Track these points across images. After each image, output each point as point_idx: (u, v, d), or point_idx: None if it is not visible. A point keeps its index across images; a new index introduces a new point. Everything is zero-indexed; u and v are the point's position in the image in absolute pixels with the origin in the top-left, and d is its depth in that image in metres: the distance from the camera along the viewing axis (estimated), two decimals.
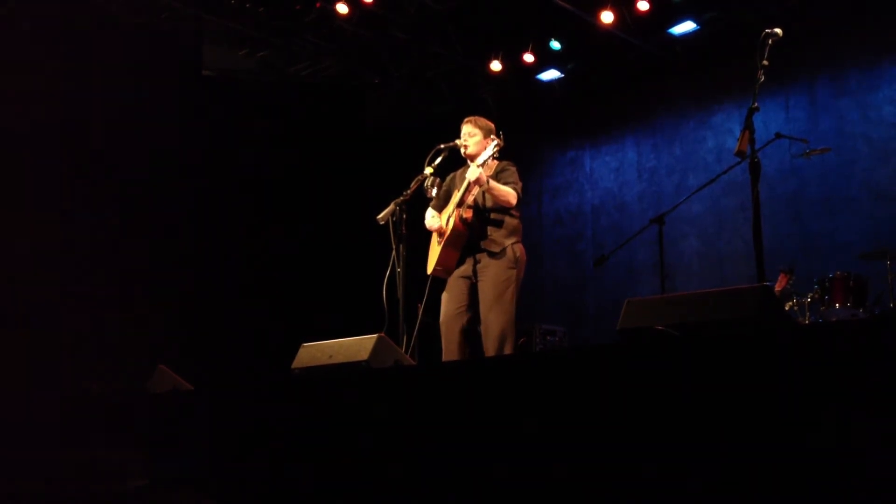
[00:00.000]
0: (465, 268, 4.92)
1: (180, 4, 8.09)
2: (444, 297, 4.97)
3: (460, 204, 4.86)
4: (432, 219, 5.08)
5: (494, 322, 4.75)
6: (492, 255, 4.85)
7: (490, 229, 4.88)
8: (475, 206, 4.89)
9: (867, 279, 6.30)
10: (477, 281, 4.86)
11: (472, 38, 9.07)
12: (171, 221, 7.70)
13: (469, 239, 4.90)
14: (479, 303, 4.82)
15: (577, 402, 2.64)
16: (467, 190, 4.83)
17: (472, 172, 4.72)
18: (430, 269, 5.02)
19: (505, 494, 2.75)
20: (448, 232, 4.87)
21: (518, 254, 4.89)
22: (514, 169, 4.97)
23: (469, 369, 3.52)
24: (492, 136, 4.93)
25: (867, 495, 2.06)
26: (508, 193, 4.81)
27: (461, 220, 4.82)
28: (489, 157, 4.79)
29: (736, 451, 2.27)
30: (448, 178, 5.17)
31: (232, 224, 8.28)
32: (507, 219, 4.91)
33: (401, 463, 3.09)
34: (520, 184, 4.94)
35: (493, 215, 4.89)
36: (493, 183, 4.77)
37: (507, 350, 4.78)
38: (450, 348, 4.85)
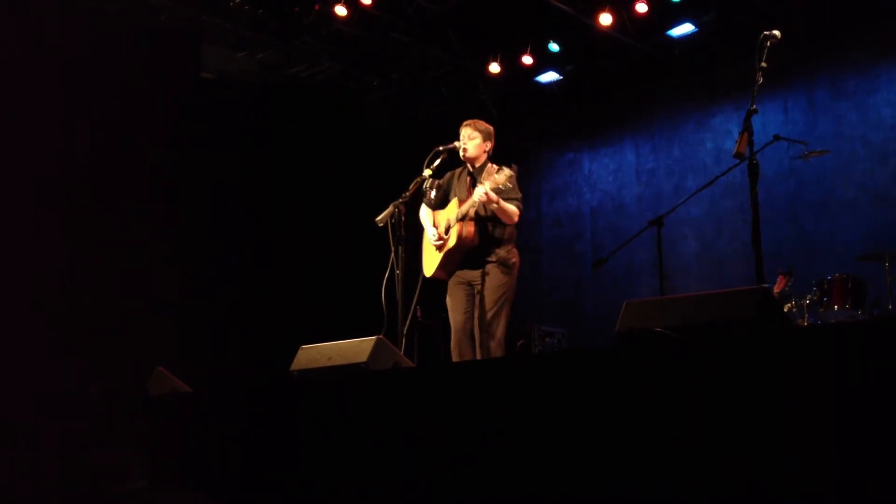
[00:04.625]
0: (465, 273, 4.95)
1: (180, 5, 8.09)
2: (450, 302, 5.00)
3: (462, 217, 4.85)
4: (430, 225, 5.09)
5: (494, 325, 4.83)
6: (491, 262, 4.90)
7: (490, 238, 4.93)
8: (476, 217, 4.90)
9: (866, 281, 6.30)
10: (478, 287, 4.90)
11: (470, 40, 9.07)
12: (169, 222, 7.69)
13: (470, 248, 4.92)
14: (480, 308, 4.86)
15: (576, 404, 2.65)
16: (471, 206, 4.82)
17: (478, 194, 4.71)
18: (428, 273, 5.04)
19: (504, 495, 2.75)
20: (451, 244, 4.89)
21: (514, 259, 4.97)
22: (514, 183, 4.96)
23: (468, 371, 3.53)
24: (495, 158, 4.91)
25: (867, 496, 2.06)
26: (513, 213, 4.88)
27: (463, 234, 4.85)
28: (501, 185, 4.72)
29: (735, 454, 2.27)
30: (447, 176, 5.16)
31: (231, 225, 8.27)
32: (506, 227, 4.95)
33: (400, 464, 3.09)
34: (521, 195, 4.97)
35: (492, 225, 4.93)
36: (502, 203, 4.78)
37: (503, 351, 4.86)
38: (459, 352, 4.92)
